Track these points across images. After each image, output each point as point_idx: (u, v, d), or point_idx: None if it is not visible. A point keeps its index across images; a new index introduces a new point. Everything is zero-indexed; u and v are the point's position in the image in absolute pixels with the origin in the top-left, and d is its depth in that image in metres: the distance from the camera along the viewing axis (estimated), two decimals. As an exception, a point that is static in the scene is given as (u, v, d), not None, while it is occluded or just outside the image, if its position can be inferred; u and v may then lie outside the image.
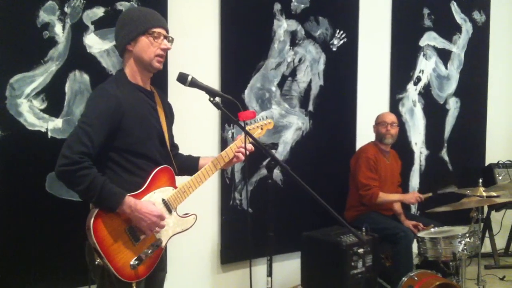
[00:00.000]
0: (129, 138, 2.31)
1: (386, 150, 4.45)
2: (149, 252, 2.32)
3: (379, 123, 4.44)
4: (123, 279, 2.22)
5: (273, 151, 3.74)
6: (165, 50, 2.44)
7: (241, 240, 3.90)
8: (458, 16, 5.54)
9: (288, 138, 4.29)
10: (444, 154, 5.50)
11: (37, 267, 3.11)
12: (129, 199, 2.22)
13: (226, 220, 3.93)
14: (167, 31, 2.46)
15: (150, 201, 2.32)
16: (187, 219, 2.51)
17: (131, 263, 2.25)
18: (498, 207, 5.32)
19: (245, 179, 3.99)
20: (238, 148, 2.63)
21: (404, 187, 4.81)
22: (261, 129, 2.79)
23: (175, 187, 2.46)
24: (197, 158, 2.70)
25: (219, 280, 4.01)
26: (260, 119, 2.79)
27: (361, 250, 3.69)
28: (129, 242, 2.27)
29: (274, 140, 4.18)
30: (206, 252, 3.93)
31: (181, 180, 2.53)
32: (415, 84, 5.21)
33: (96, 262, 2.20)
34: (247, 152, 2.56)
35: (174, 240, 2.48)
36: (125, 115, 2.28)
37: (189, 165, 2.65)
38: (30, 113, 3.05)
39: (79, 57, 3.20)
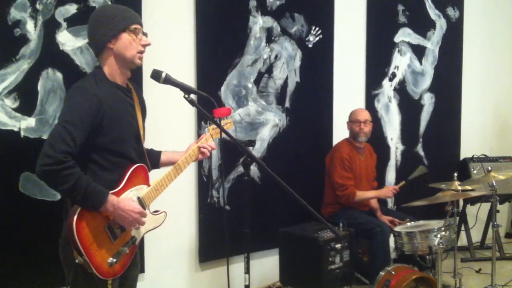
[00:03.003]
0: (107, 137, 2.29)
1: (360, 146, 4.46)
2: (126, 249, 2.32)
3: (353, 121, 4.43)
4: (101, 277, 2.21)
5: (251, 148, 3.74)
6: (146, 46, 2.42)
7: (219, 237, 3.88)
8: (432, 12, 5.58)
9: (265, 135, 4.29)
10: (420, 149, 5.54)
11: (11, 268, 3.06)
12: (112, 197, 2.22)
13: (204, 218, 3.92)
14: (142, 26, 2.44)
15: (129, 198, 2.32)
16: (158, 216, 2.51)
17: (109, 260, 2.24)
18: (473, 201, 5.38)
19: (222, 176, 3.98)
20: (203, 145, 2.68)
21: (380, 182, 4.85)
22: None
23: (149, 185, 2.45)
24: (159, 153, 2.71)
25: (198, 278, 3.99)
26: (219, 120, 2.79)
27: (338, 246, 3.72)
28: (108, 239, 2.26)
29: (251, 137, 4.17)
30: (184, 250, 3.92)
31: (152, 178, 2.51)
32: (390, 80, 5.24)
33: (77, 261, 2.18)
34: (211, 149, 2.71)
35: (152, 239, 2.47)
36: (105, 115, 2.26)
37: (151, 160, 2.63)
38: (2, 112, 3.00)
39: (51, 55, 3.15)
